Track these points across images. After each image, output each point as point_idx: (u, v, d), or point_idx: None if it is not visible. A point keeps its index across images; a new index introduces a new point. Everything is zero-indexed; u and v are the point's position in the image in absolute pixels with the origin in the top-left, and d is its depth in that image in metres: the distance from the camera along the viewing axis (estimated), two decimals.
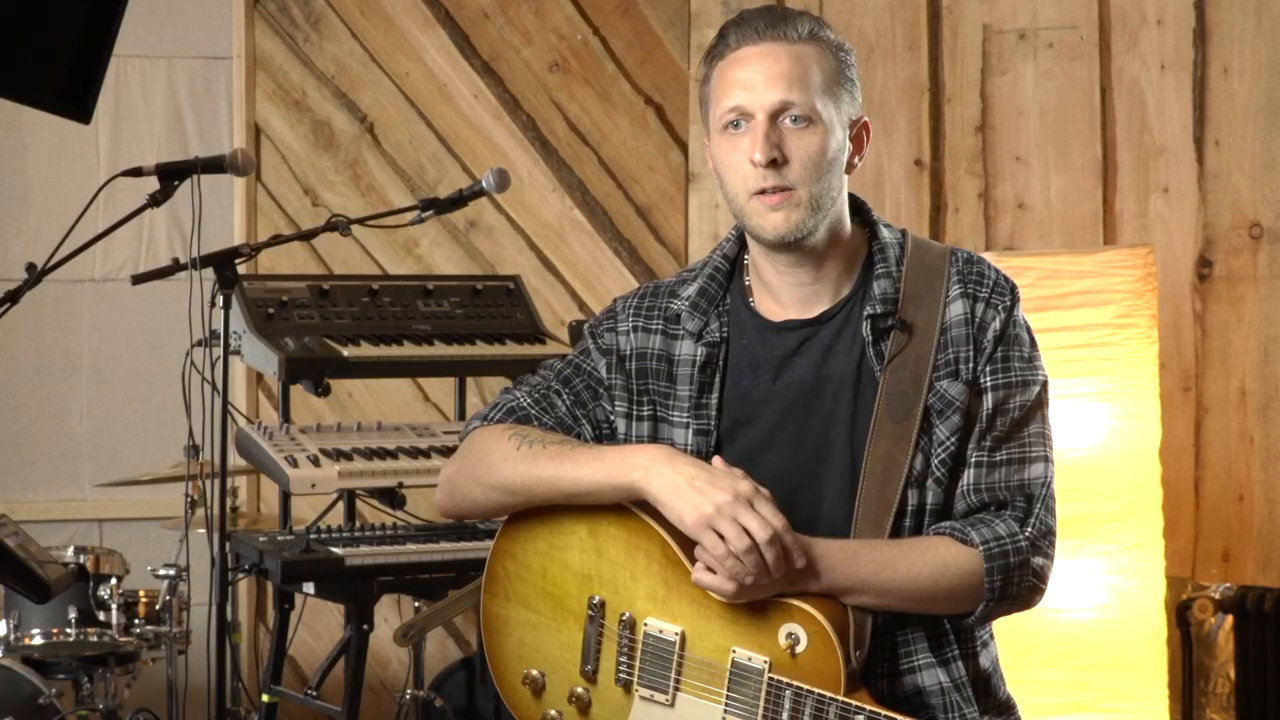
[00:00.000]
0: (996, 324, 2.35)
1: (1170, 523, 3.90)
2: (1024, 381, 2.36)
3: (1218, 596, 4.28)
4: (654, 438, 2.42)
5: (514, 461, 2.36)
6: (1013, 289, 2.39)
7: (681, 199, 5.09)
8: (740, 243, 2.46)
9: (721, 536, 2.20)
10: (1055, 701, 3.69)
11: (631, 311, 2.47)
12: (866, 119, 2.40)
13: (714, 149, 2.37)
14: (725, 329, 2.42)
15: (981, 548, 2.29)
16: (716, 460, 2.29)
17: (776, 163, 2.29)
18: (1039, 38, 4.73)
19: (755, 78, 2.31)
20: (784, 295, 2.39)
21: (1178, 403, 4.46)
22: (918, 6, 4.87)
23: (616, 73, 5.08)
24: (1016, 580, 2.30)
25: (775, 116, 2.30)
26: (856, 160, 2.39)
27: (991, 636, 2.42)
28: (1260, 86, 4.46)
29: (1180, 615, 4.27)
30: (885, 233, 2.42)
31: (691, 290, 2.44)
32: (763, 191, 2.30)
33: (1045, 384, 2.39)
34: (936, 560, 2.28)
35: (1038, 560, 2.32)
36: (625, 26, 5.07)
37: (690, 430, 2.40)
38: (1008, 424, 2.34)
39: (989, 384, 2.34)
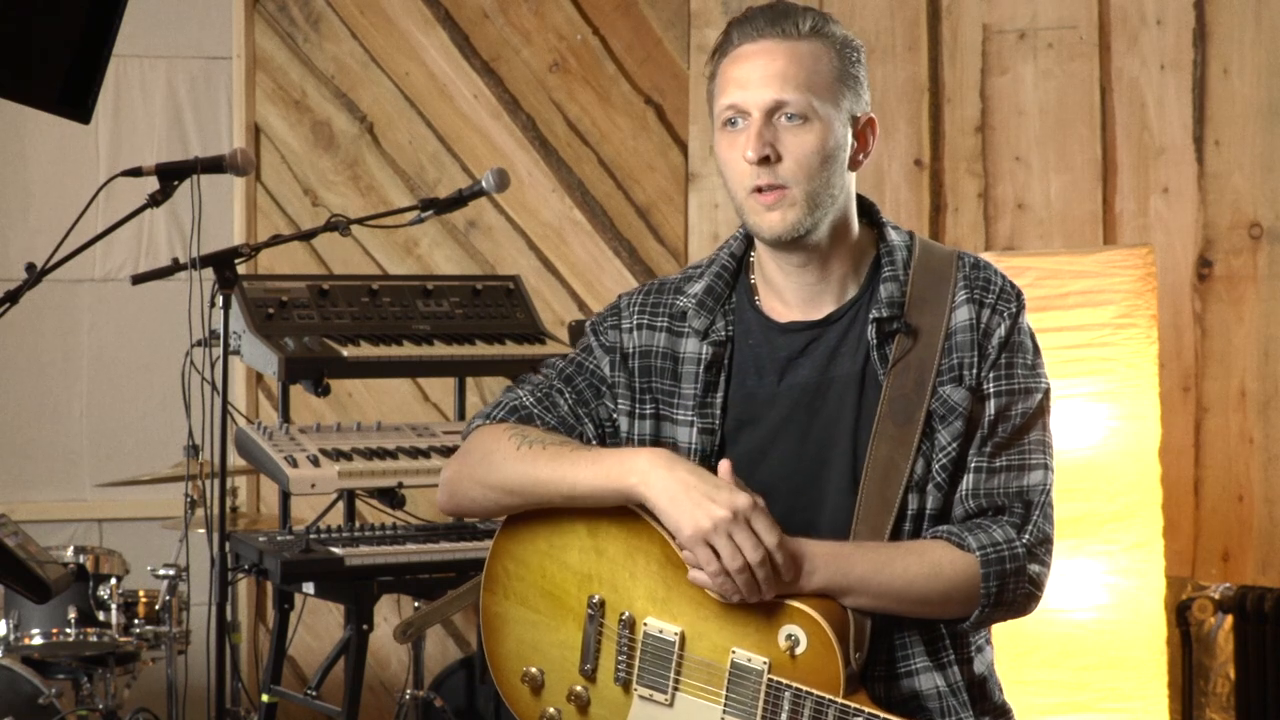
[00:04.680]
0: (1001, 330, 2.35)
1: (1170, 523, 3.90)
2: (1026, 389, 2.35)
3: (1218, 596, 4.28)
4: (656, 436, 2.41)
5: (513, 461, 2.36)
6: (1018, 295, 2.38)
7: (681, 199, 5.09)
8: (747, 241, 2.46)
9: (717, 555, 2.20)
10: (1055, 702, 3.69)
11: (636, 309, 2.47)
12: (873, 115, 2.40)
13: (716, 146, 2.38)
14: (731, 328, 2.41)
15: (978, 553, 2.29)
16: (723, 467, 2.28)
17: (769, 160, 2.29)
18: (1039, 38, 4.73)
19: (751, 76, 2.31)
20: (790, 296, 2.39)
21: (1178, 403, 4.46)
22: (918, 6, 4.86)
23: (616, 73, 5.08)
24: (1012, 587, 2.30)
25: (770, 114, 2.30)
26: (861, 157, 2.38)
27: (988, 641, 2.42)
28: (1260, 86, 4.46)
29: (1180, 615, 4.27)
30: (893, 235, 2.41)
31: (698, 288, 2.44)
32: (759, 190, 2.30)
33: (1047, 392, 2.38)
34: (932, 563, 2.28)
35: (1034, 567, 2.32)
36: (625, 26, 5.07)
37: (695, 429, 2.39)
38: (1009, 430, 2.34)
39: (991, 390, 2.34)
